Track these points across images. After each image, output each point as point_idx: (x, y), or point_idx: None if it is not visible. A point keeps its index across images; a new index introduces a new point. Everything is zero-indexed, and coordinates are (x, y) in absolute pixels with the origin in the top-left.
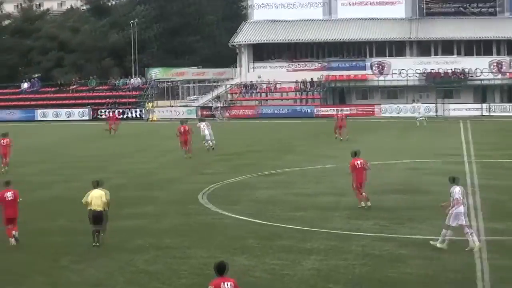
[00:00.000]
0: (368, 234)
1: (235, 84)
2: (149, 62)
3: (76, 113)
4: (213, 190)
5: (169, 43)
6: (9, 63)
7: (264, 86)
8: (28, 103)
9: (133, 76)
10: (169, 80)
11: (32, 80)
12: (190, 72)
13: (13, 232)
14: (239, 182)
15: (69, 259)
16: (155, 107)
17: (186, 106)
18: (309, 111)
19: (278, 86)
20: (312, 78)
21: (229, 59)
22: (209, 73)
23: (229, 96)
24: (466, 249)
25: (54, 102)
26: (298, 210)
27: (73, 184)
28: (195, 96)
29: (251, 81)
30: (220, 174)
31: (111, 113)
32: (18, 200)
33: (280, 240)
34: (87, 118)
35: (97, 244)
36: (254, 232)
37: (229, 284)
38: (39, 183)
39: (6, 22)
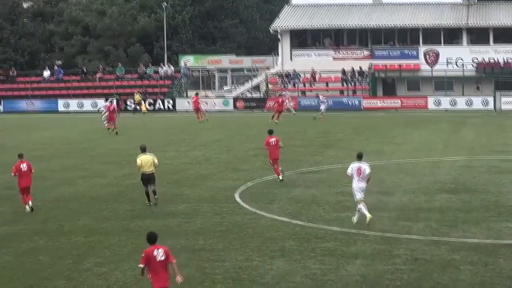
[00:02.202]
0: (418, 237)
1: (274, 73)
2: (181, 48)
3: (103, 104)
4: (248, 187)
5: (202, 28)
6: (30, 49)
7: (306, 75)
8: (50, 92)
9: (165, 64)
10: (203, 68)
11: (56, 68)
12: (226, 60)
13: (29, 202)
14: (277, 180)
15: (93, 262)
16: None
17: (223, 97)
18: (356, 103)
19: (317, 76)
20: (360, 67)
21: (266, 46)
22: (247, 61)
23: (270, 86)
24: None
25: (78, 91)
26: (342, 211)
27: (98, 181)
28: (231, 86)
29: (294, 70)
30: (256, 171)
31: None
32: (32, 171)
33: (322, 242)
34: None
35: (151, 203)
36: (294, 233)
37: (160, 250)
38: (61, 179)
39: (26, 4)
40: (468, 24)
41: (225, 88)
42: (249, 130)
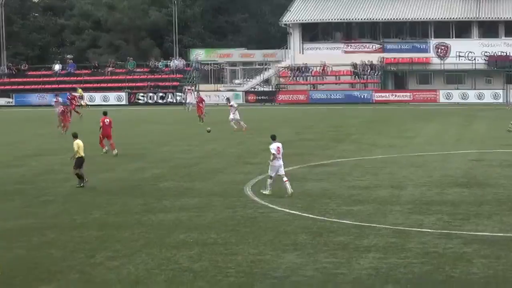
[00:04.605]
0: (430, 230)
1: (284, 66)
2: (192, 42)
3: (113, 97)
4: (260, 181)
5: (213, 22)
6: (41, 43)
7: (317, 69)
8: (61, 86)
9: (175, 57)
10: (213, 62)
11: (71, 62)
12: (237, 54)
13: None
14: (288, 173)
15: (105, 255)
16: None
17: (233, 90)
18: (366, 96)
19: (329, 69)
20: (371, 61)
21: (276, 40)
22: (258, 55)
23: (281, 79)
24: (286, 196)
25: (89, 85)
26: (354, 204)
27: (108, 175)
28: (242, 80)
29: (305, 64)
30: (267, 164)
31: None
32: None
33: (334, 236)
34: (124, 102)
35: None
36: (306, 227)
37: None
38: (72, 173)
39: None
40: (478, 17)
41: (235, 81)
42: (260, 124)
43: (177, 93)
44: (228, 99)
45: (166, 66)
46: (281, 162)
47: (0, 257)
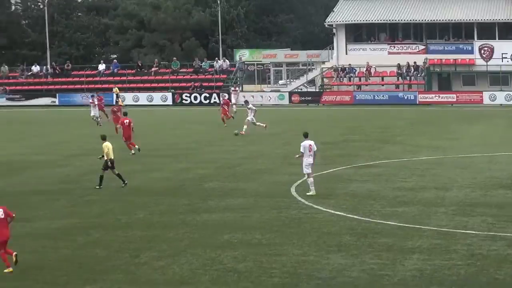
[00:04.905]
0: (475, 232)
1: (329, 67)
2: (236, 43)
3: (158, 98)
4: (305, 182)
5: (257, 22)
6: (85, 42)
7: (361, 69)
8: (105, 86)
9: (220, 58)
10: (258, 62)
11: (115, 62)
12: (282, 54)
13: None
14: (333, 174)
15: (150, 255)
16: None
17: (278, 91)
18: (412, 97)
19: (373, 70)
20: (415, 62)
21: (321, 40)
22: (303, 55)
23: (325, 80)
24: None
25: (133, 85)
26: (399, 206)
27: (153, 175)
28: (286, 80)
29: (349, 64)
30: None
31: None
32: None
33: (379, 237)
34: (169, 103)
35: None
36: (350, 228)
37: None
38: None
39: None
40: None
41: (280, 82)
42: (304, 124)
43: (221, 93)
44: (246, 102)
45: (211, 66)
46: (311, 160)
47: (46, 256)
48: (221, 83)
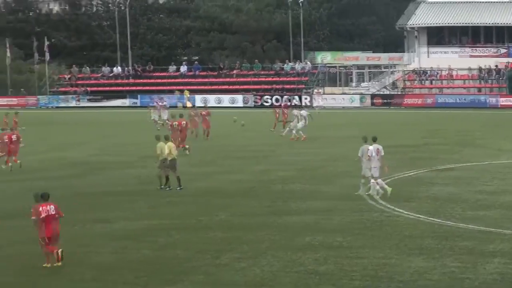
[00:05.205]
0: None
1: (409, 70)
2: (317, 45)
3: (240, 100)
4: (386, 185)
5: (339, 25)
6: (166, 44)
7: (443, 72)
8: (186, 87)
9: (302, 60)
10: (340, 65)
11: (196, 63)
12: (364, 57)
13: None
14: (415, 177)
15: (231, 257)
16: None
17: (360, 93)
18: (493, 101)
19: (454, 73)
20: (496, 65)
21: (400, 43)
22: (384, 58)
23: (407, 83)
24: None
25: (215, 87)
26: (480, 209)
27: (234, 176)
28: (368, 83)
29: (431, 67)
30: (394, 168)
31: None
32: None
33: (460, 241)
34: (251, 105)
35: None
36: (432, 231)
37: (51, 207)
38: (198, 174)
39: (162, 0)
40: None
41: (362, 84)
42: (386, 127)
43: (303, 96)
44: (299, 107)
45: (292, 68)
46: (376, 163)
47: (127, 257)
48: (302, 86)
